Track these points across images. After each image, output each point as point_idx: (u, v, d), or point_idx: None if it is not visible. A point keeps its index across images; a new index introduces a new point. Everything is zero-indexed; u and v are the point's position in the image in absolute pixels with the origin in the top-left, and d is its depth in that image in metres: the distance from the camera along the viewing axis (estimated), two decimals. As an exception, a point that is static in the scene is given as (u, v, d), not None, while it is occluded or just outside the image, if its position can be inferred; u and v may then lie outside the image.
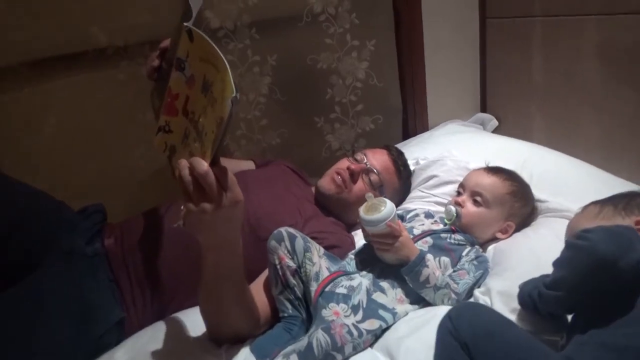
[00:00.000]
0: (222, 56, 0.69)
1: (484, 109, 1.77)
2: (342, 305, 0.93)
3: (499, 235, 1.16)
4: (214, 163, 0.71)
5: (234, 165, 1.35)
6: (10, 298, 0.95)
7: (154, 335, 0.99)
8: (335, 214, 1.30)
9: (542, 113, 1.53)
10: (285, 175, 1.41)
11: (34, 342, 0.89)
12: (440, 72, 1.68)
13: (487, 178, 1.16)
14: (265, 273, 1.05)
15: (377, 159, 1.32)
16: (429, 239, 1.09)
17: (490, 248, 1.15)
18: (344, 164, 1.31)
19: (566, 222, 1.11)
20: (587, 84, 1.36)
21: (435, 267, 1.00)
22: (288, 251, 0.99)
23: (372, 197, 1.02)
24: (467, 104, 1.77)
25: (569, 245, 0.71)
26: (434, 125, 1.74)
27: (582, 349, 0.65)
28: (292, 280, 0.99)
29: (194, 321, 1.00)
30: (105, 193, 1.32)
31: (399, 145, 1.53)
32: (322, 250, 1.06)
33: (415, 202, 1.34)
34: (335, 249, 1.13)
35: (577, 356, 0.64)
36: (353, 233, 1.29)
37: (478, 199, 1.14)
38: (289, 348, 0.86)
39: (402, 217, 1.20)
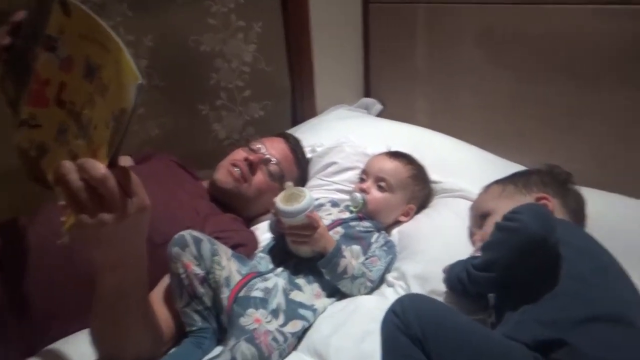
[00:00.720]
0: (114, 34, 0.56)
1: (367, 94, 1.79)
2: (262, 310, 0.86)
3: (401, 218, 1.18)
4: (112, 164, 0.58)
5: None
6: None
7: (29, 376, 0.82)
8: (233, 209, 1.22)
9: (426, 97, 1.60)
10: (171, 170, 1.28)
11: None
12: (327, 56, 1.65)
13: (389, 163, 1.17)
14: (163, 283, 0.95)
15: (275, 148, 1.26)
16: (339, 229, 1.07)
17: (395, 232, 1.17)
18: (240, 154, 1.23)
19: (462, 201, 1.18)
20: (467, 68, 1.44)
21: (351, 257, 0.98)
22: (194, 257, 0.89)
23: (291, 186, 0.96)
24: (353, 88, 1.77)
25: (500, 227, 0.73)
26: (322, 111, 1.72)
27: (519, 327, 0.67)
28: (201, 289, 0.89)
29: (78, 349, 0.86)
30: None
31: (289, 132, 1.47)
32: (229, 251, 0.98)
33: (316, 191, 1.30)
34: (241, 248, 1.06)
35: (516, 334, 0.66)
36: (253, 228, 1.22)
37: (382, 184, 1.14)
38: (209, 367, 0.77)
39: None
